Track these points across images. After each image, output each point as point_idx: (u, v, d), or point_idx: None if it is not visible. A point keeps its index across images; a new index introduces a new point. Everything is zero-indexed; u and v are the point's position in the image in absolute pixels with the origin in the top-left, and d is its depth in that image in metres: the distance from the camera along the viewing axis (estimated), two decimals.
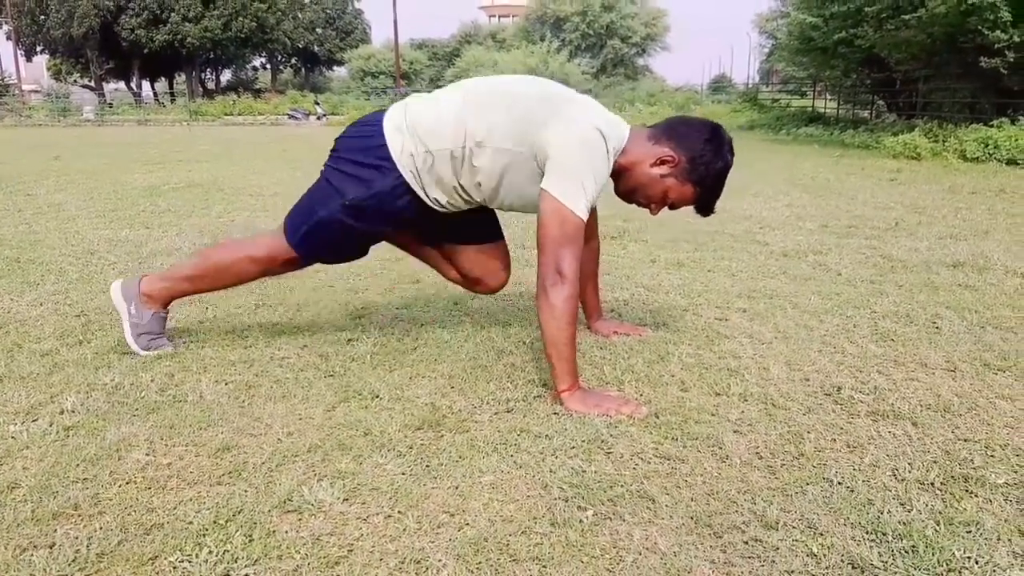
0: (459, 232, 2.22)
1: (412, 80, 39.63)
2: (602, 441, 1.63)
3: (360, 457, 1.56)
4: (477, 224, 2.22)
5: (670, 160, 1.94)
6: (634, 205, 2.07)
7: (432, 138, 1.92)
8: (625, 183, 2.01)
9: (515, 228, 4.25)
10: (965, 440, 1.64)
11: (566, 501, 1.40)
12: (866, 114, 16.83)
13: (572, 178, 1.82)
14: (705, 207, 2.03)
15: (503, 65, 30.91)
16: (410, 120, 1.96)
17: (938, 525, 1.31)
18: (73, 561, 1.21)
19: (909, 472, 1.50)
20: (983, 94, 11.32)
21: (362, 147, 2.01)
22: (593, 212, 2.26)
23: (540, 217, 1.85)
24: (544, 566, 1.21)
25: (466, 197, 2.01)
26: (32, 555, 1.22)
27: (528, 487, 1.45)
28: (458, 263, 2.29)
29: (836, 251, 3.64)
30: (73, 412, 1.78)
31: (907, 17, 10.35)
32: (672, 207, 2.03)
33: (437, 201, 2.01)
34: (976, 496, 1.41)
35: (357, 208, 1.99)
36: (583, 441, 1.63)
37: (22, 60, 37.73)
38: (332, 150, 2.08)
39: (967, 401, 1.85)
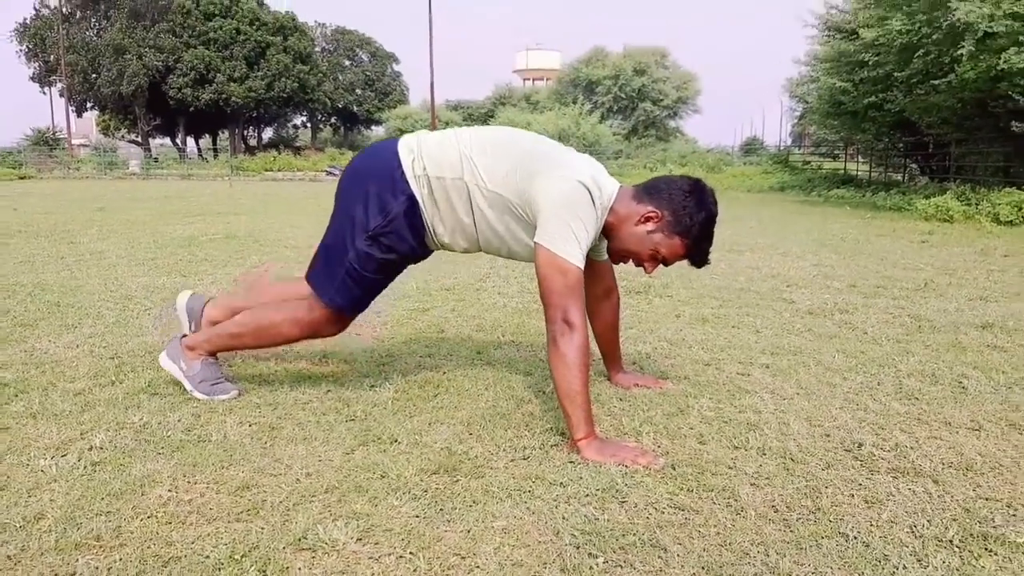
0: None
1: None
2: (616, 490, 1.63)
3: (376, 499, 1.58)
4: None
5: (654, 216, 2.00)
6: (627, 264, 2.13)
7: (438, 166, 2.01)
8: (615, 243, 2.08)
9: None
10: (987, 499, 1.62)
11: (577, 548, 1.40)
12: (899, 177, 16.80)
13: (563, 229, 1.88)
14: (697, 259, 2.07)
15: (536, 126, 31.37)
16: (422, 147, 2.05)
17: None
18: None
19: (927, 529, 1.48)
20: (1016, 157, 11.27)
21: (376, 172, 2.07)
22: (606, 264, 2.30)
23: (539, 271, 1.91)
24: None
25: (465, 236, 2.08)
26: None
27: (540, 533, 1.46)
28: None
29: (863, 310, 3.62)
30: (101, 449, 1.83)
31: (937, 82, 10.40)
32: (665, 263, 2.07)
33: (436, 234, 2.08)
34: (995, 554, 1.39)
35: (379, 237, 2.04)
36: (597, 489, 1.63)
37: (73, 116, 39.22)
38: (346, 184, 2.13)
39: (990, 460, 1.82)
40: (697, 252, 2.05)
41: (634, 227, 2.02)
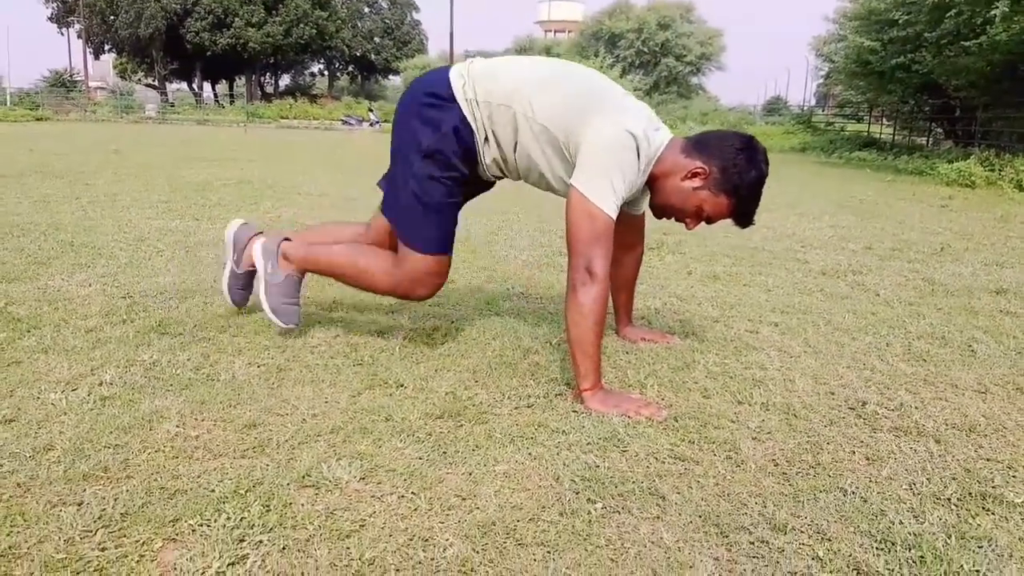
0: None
1: None
2: (618, 439, 1.64)
3: (380, 440, 1.60)
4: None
5: (701, 172, 1.92)
6: (669, 220, 2.07)
7: (488, 91, 1.95)
8: (658, 196, 2.01)
9: (552, 236, 4.29)
10: (987, 460, 1.62)
11: (576, 493, 1.42)
12: (923, 141, 16.52)
13: (601, 176, 1.83)
14: (743, 218, 2.00)
15: None
16: (472, 71, 1.99)
17: (949, 538, 1.30)
18: (99, 518, 1.27)
19: (926, 487, 1.49)
20: None
21: (428, 91, 2.01)
22: (640, 218, 2.27)
23: (568, 214, 1.87)
24: (548, 552, 1.23)
25: (507, 163, 2.03)
26: (61, 511, 1.28)
27: (540, 478, 1.47)
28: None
29: (877, 272, 3.59)
30: (111, 384, 1.85)
31: (967, 44, 10.16)
32: (709, 221, 2.01)
33: (486, 161, 2.03)
34: (992, 513, 1.40)
35: (433, 154, 1.97)
36: (599, 438, 1.64)
37: (90, 58, 39.05)
38: (399, 116, 2.07)
39: (994, 422, 1.82)
40: (742, 212, 1.97)
41: (680, 182, 1.94)
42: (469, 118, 1.97)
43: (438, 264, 2.08)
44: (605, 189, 1.83)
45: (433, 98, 1.99)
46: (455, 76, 1.99)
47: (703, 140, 1.98)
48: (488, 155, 2.02)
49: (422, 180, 2.00)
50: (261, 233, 2.35)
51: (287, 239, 2.28)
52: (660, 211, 2.05)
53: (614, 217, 1.85)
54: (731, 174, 1.91)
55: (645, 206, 2.21)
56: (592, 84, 1.99)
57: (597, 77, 2.04)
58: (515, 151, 1.99)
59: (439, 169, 1.99)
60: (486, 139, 1.99)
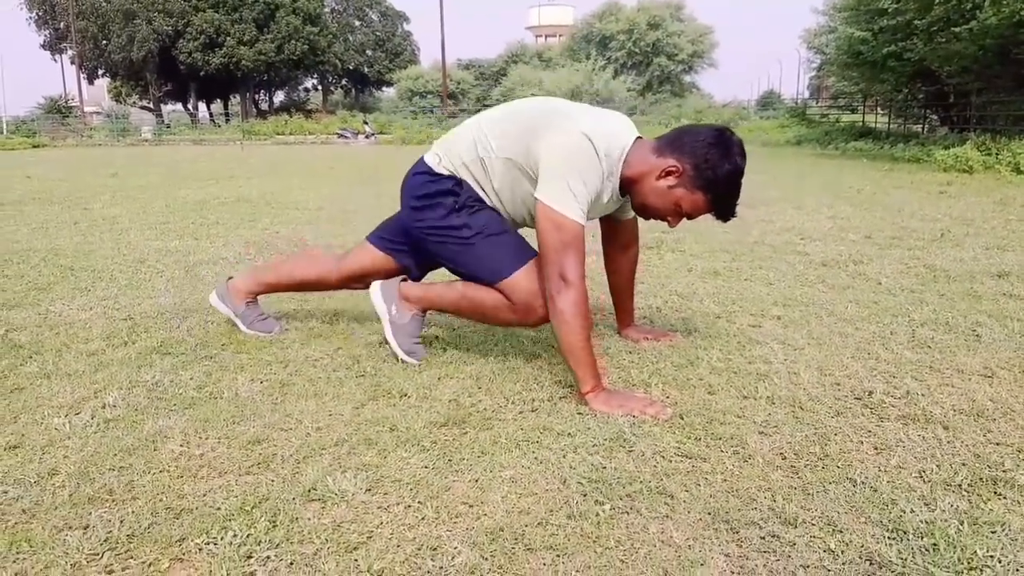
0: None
1: (459, 99, 40.06)
2: (624, 439, 1.63)
3: (385, 451, 1.60)
4: None
5: (675, 170, 1.91)
6: (651, 220, 2.07)
7: (458, 155, 2.05)
8: (636, 198, 2.01)
9: None
10: (997, 444, 1.61)
11: (584, 495, 1.41)
12: (918, 128, 16.51)
13: (560, 183, 1.84)
14: (722, 213, 1.97)
15: (549, 83, 31.08)
16: (441, 148, 2.11)
17: (962, 525, 1.29)
18: (105, 541, 1.26)
19: (936, 474, 1.48)
20: None
21: (419, 182, 2.12)
22: (631, 221, 2.28)
23: (537, 226, 1.89)
24: (558, 555, 1.22)
25: (504, 208, 2.09)
26: (67, 535, 1.28)
27: (547, 481, 1.47)
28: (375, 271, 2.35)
29: (877, 261, 3.58)
30: (114, 407, 1.85)
31: (958, 29, 10.15)
32: (689, 217, 2.01)
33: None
34: (1004, 498, 1.38)
35: (463, 203, 2.05)
36: (605, 439, 1.64)
37: (84, 83, 39.20)
38: (408, 217, 2.17)
39: (1002, 406, 1.81)
40: (721, 206, 1.95)
41: (655, 181, 1.93)
42: (462, 179, 2.06)
43: (528, 277, 1.99)
44: (566, 196, 1.83)
45: (425, 180, 2.10)
46: (430, 159, 2.11)
47: (674, 138, 1.97)
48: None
49: (462, 226, 2.05)
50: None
51: (404, 279, 2.29)
52: (641, 212, 2.06)
53: (581, 222, 1.85)
54: (704, 170, 1.89)
55: (631, 211, 2.21)
56: (543, 105, 2.03)
57: (550, 100, 2.08)
58: (499, 197, 2.05)
59: (473, 206, 2.06)
60: (483, 186, 2.07)
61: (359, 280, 2.38)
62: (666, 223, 2.03)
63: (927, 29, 11.12)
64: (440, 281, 2.25)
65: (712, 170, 1.89)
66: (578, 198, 1.84)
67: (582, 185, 1.85)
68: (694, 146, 1.91)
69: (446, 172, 2.07)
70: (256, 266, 2.41)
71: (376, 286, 2.23)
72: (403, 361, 2.16)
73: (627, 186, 2.00)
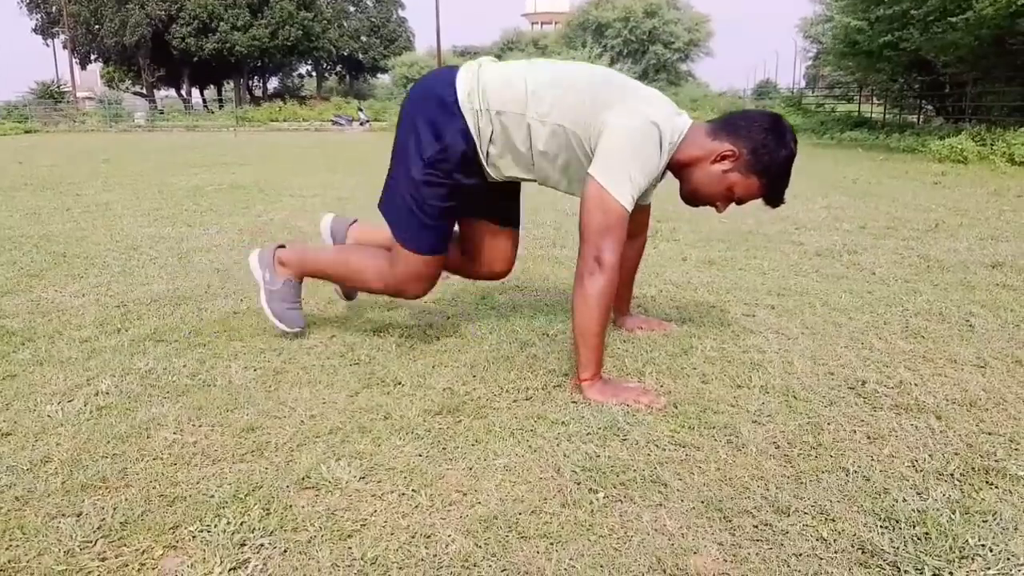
0: (485, 209, 2.20)
1: None
2: (618, 428, 1.64)
3: (379, 439, 1.60)
4: (503, 206, 2.22)
5: (731, 155, 1.89)
6: (700, 207, 2.03)
7: (500, 100, 1.92)
8: (687, 183, 1.97)
9: (547, 228, 4.28)
10: (989, 433, 1.62)
11: (578, 484, 1.41)
12: (914, 118, 16.51)
13: (619, 166, 1.80)
14: (773, 198, 1.96)
15: None
16: (482, 82, 1.95)
17: (953, 514, 1.29)
18: (98, 528, 1.26)
19: (928, 463, 1.48)
20: None
21: (435, 101, 1.97)
22: (646, 209, 2.25)
23: (583, 203, 1.84)
24: (551, 543, 1.23)
25: (520, 168, 2.00)
26: (60, 522, 1.28)
27: (541, 470, 1.47)
28: (471, 240, 2.26)
29: (872, 251, 3.59)
30: (107, 394, 1.84)
31: (954, 19, 10.14)
32: (739, 203, 1.99)
33: (494, 164, 2.00)
34: (996, 487, 1.39)
35: (436, 164, 1.96)
36: (599, 428, 1.64)
37: (77, 68, 38.91)
38: (403, 115, 2.04)
39: (994, 396, 1.82)
40: (774, 191, 1.94)
41: (709, 166, 1.91)
42: (472, 129, 1.94)
43: (430, 265, 2.08)
44: (623, 181, 1.80)
45: (439, 104, 1.96)
46: (462, 85, 1.95)
47: (730, 122, 1.95)
48: (502, 161, 1.99)
49: (420, 185, 1.98)
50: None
51: (281, 246, 2.28)
52: (691, 197, 2.01)
53: (629, 209, 1.82)
54: (761, 155, 1.88)
55: (652, 196, 2.20)
56: (607, 77, 1.96)
57: (611, 72, 2.01)
58: (532, 156, 1.96)
59: (438, 176, 1.98)
60: (494, 145, 1.96)
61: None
62: (714, 208, 2.00)
63: (923, 19, 11.11)
64: (317, 247, 2.30)
65: (769, 155, 1.88)
66: (634, 184, 1.81)
67: (640, 172, 1.82)
68: (750, 131, 1.89)
69: (468, 112, 1.93)
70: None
71: (254, 252, 2.27)
72: (276, 327, 2.21)
73: (677, 170, 1.96)
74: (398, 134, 2.05)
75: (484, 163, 2.00)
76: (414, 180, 1.98)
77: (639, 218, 2.25)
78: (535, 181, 2.06)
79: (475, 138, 1.95)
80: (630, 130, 1.82)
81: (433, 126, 1.95)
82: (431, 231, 2.04)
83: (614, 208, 1.80)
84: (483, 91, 1.93)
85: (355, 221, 2.45)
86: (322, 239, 2.37)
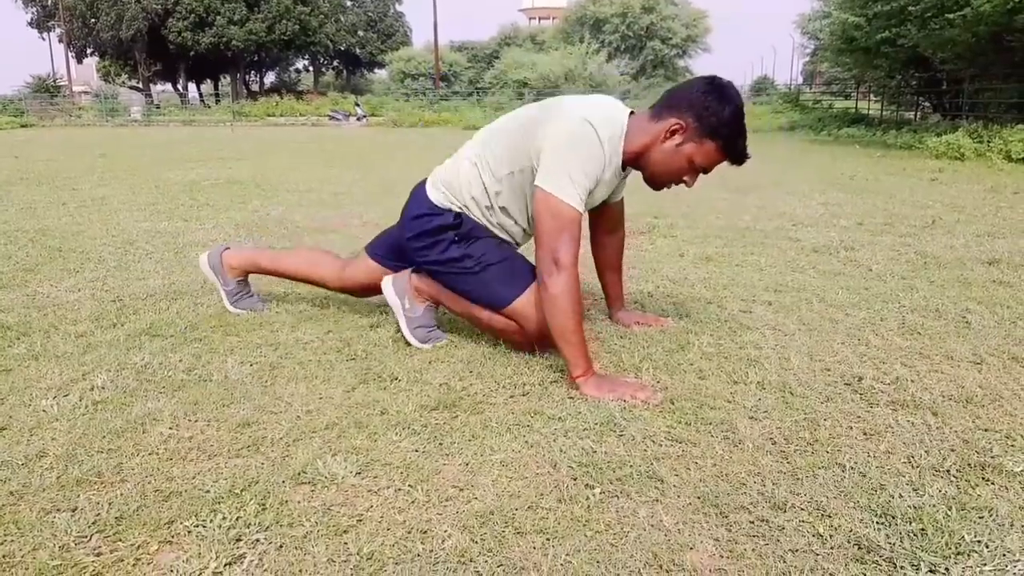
0: None
1: (451, 82, 39.83)
2: (614, 424, 1.63)
3: (375, 434, 1.59)
4: None
5: (679, 128, 1.89)
6: (667, 188, 2.04)
7: (460, 191, 2.06)
8: (647, 169, 1.99)
9: None
10: (985, 430, 1.62)
11: (574, 479, 1.41)
12: (911, 115, 16.52)
13: (559, 170, 1.83)
14: (735, 156, 1.94)
15: (541, 66, 30.88)
16: (442, 184, 2.11)
17: (950, 510, 1.29)
18: (93, 523, 1.26)
19: (924, 459, 1.48)
20: None
21: (419, 217, 2.12)
22: (618, 204, 2.27)
23: (534, 213, 1.88)
24: (548, 539, 1.22)
25: (516, 232, 2.12)
26: (55, 517, 1.27)
27: (538, 465, 1.47)
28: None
29: (869, 248, 3.59)
30: (103, 389, 1.84)
31: (951, 16, 10.14)
32: (705, 171, 1.97)
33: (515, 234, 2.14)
34: (992, 483, 1.39)
35: (463, 235, 2.08)
36: (595, 423, 1.64)
37: (73, 62, 38.79)
38: (410, 249, 2.17)
39: (991, 392, 1.82)
40: (732, 149, 1.92)
41: (661, 145, 1.91)
42: (463, 215, 2.08)
43: (530, 307, 2.01)
44: (564, 183, 1.83)
45: (424, 217, 2.10)
46: (434, 195, 2.10)
47: (666, 100, 1.96)
48: (499, 233, 2.12)
49: (463, 257, 2.07)
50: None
51: (415, 270, 2.24)
52: (656, 182, 2.02)
53: (579, 209, 1.85)
54: (707, 117, 1.88)
55: (622, 193, 2.23)
56: (531, 109, 2.04)
57: (537, 104, 2.07)
58: (508, 214, 2.06)
59: (472, 236, 2.08)
60: (487, 222, 2.10)
61: (360, 291, 2.42)
62: (684, 184, 2.00)
63: (921, 15, 11.11)
64: (438, 286, 2.21)
65: (715, 116, 1.87)
66: (576, 185, 1.83)
67: (581, 172, 1.84)
68: (690, 99, 1.90)
69: (449, 207, 2.08)
70: (256, 249, 2.40)
71: (388, 281, 2.23)
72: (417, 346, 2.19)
73: (633, 161, 1.98)
74: (424, 263, 2.16)
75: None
76: (461, 257, 2.07)
77: (614, 213, 2.28)
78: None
79: (472, 218, 2.10)
80: (564, 132, 1.86)
81: (433, 228, 2.09)
82: (507, 279, 2.05)
83: (562, 211, 1.83)
84: (450, 190, 2.08)
85: (227, 248, 2.51)
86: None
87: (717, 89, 1.90)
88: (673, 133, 1.91)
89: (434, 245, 2.09)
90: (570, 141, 1.85)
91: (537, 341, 2.04)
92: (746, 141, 1.94)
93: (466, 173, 2.06)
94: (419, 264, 2.17)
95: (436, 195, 2.11)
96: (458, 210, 2.08)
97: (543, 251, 1.84)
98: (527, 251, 2.10)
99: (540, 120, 1.92)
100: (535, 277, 1.96)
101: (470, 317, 2.16)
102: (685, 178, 1.98)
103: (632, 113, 1.99)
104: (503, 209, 2.06)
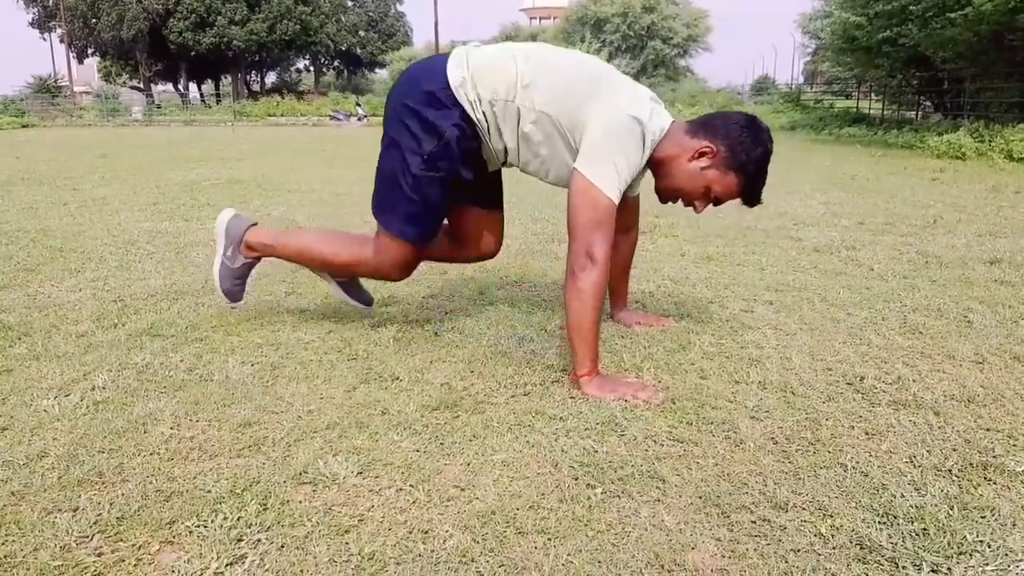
0: (473, 196, 2.20)
1: None
2: (616, 424, 1.63)
3: (376, 434, 1.59)
4: (489, 191, 2.24)
5: (709, 151, 1.90)
6: (675, 203, 2.04)
7: (491, 89, 1.92)
8: (665, 179, 1.98)
9: (544, 223, 4.27)
10: (987, 429, 1.62)
11: (576, 479, 1.41)
12: (912, 114, 16.50)
13: (605, 161, 1.82)
14: (751, 196, 1.97)
15: None
16: (471, 66, 1.95)
17: (952, 510, 1.29)
18: (94, 523, 1.26)
19: (926, 459, 1.48)
20: None
21: (427, 92, 1.95)
22: (635, 202, 2.26)
23: (571, 198, 1.85)
24: (549, 539, 1.22)
25: (509, 153, 2.02)
26: (56, 517, 1.27)
27: (539, 465, 1.46)
28: (462, 227, 2.27)
29: (870, 247, 3.59)
30: (104, 389, 1.84)
31: (953, 15, 10.13)
32: (717, 202, 1.99)
33: (496, 149, 2.01)
34: (994, 483, 1.39)
35: (435, 160, 1.96)
36: (597, 423, 1.64)
37: (74, 62, 38.80)
38: (393, 107, 2.02)
39: (993, 392, 1.81)
40: (751, 189, 1.95)
41: (687, 163, 1.92)
42: (473, 118, 1.95)
43: (415, 252, 2.13)
44: (610, 174, 1.81)
45: (432, 99, 1.95)
46: (454, 74, 1.94)
47: (707, 121, 1.97)
48: (493, 146, 2.02)
49: (419, 179, 1.98)
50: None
51: (255, 223, 2.28)
52: (667, 194, 2.02)
53: (617, 202, 1.84)
54: (738, 151, 1.90)
55: (639, 187, 2.20)
56: (592, 68, 1.97)
57: (596, 61, 2.02)
58: (518, 141, 1.98)
59: (437, 171, 1.98)
60: (489, 132, 1.98)
61: (475, 252, 2.36)
62: (692, 208, 2.00)
63: (922, 15, 11.10)
64: (285, 233, 2.30)
65: (746, 152, 1.89)
66: (620, 177, 1.83)
67: (626, 166, 1.84)
68: (727, 128, 1.91)
69: (464, 103, 1.93)
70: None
71: (227, 213, 2.26)
72: (218, 295, 2.25)
73: (656, 166, 1.97)
74: (387, 128, 2.04)
75: (486, 148, 2.02)
76: (413, 175, 1.98)
77: (629, 212, 2.26)
78: (520, 167, 2.08)
79: (475, 126, 1.97)
80: (614, 124, 1.84)
81: (431, 126, 1.95)
82: (423, 222, 2.06)
83: (602, 202, 1.81)
84: (474, 80, 1.93)
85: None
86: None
87: (755, 129, 1.92)
88: (703, 155, 1.91)
89: (411, 134, 1.97)
90: (618, 134, 1.83)
91: (374, 274, 2.19)
92: (764, 185, 1.96)
93: (505, 76, 1.92)
94: (386, 128, 2.04)
95: (456, 75, 1.93)
96: (468, 103, 1.93)
97: (578, 243, 1.82)
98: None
99: (594, 94, 1.87)
100: (420, 239, 2.07)
101: (300, 257, 2.24)
102: (696, 202, 1.99)
103: (673, 121, 1.98)
104: (519, 134, 1.96)
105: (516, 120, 1.94)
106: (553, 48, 2.04)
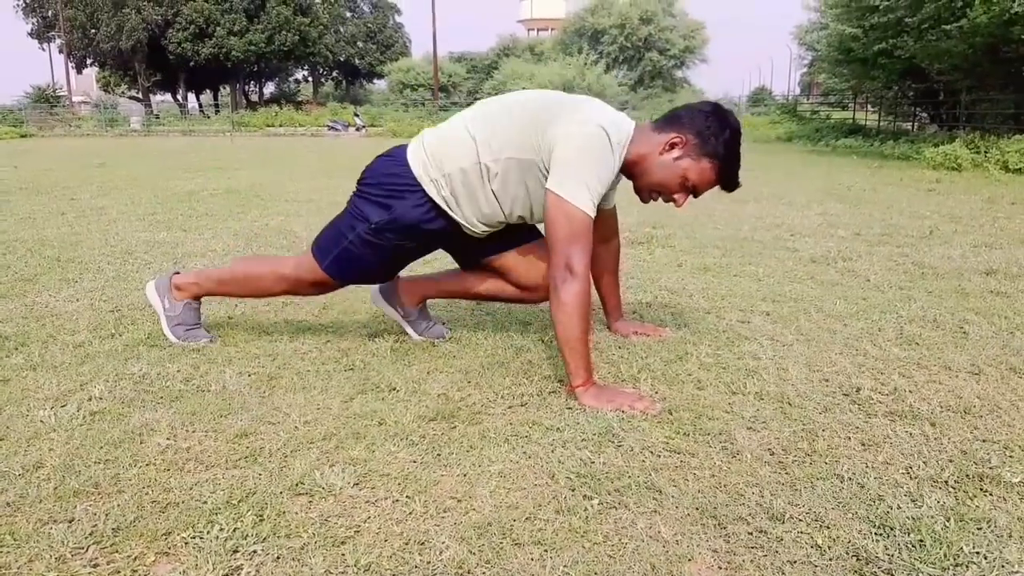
0: (499, 240, 2.18)
1: (450, 92, 39.91)
2: (613, 434, 1.63)
3: (373, 445, 1.59)
4: (515, 231, 2.19)
5: (679, 142, 1.92)
6: (656, 202, 2.05)
7: (447, 160, 1.97)
8: (641, 178, 2.00)
9: None
10: (984, 440, 1.62)
11: (572, 490, 1.41)
12: (908, 126, 16.57)
13: (575, 175, 1.83)
14: (728, 181, 1.98)
15: (540, 77, 31.05)
16: (427, 148, 2.02)
17: (948, 521, 1.29)
18: (90, 535, 1.25)
19: (923, 470, 1.48)
20: None
21: (387, 173, 2.05)
22: (613, 212, 2.27)
23: (546, 216, 1.87)
24: (546, 550, 1.22)
25: (498, 215, 2.03)
26: (51, 528, 1.27)
27: (536, 476, 1.46)
28: (509, 272, 2.21)
29: (866, 258, 3.60)
30: (100, 399, 1.83)
31: (948, 27, 10.19)
32: (695, 192, 1.99)
33: (472, 222, 2.03)
34: (990, 494, 1.39)
35: (381, 230, 2.02)
36: (594, 434, 1.64)
37: (73, 73, 38.87)
38: (359, 180, 2.11)
39: (989, 403, 1.82)
40: (727, 173, 1.96)
41: (659, 157, 1.94)
42: (438, 200, 1.99)
43: (334, 286, 2.20)
44: (580, 187, 1.83)
45: (393, 181, 2.03)
46: (414, 159, 2.02)
47: (672, 115, 2.00)
48: (469, 219, 2.03)
49: (365, 240, 2.05)
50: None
51: (177, 272, 2.35)
52: (646, 192, 2.03)
53: (592, 214, 1.85)
54: (707, 136, 1.92)
55: (615, 199, 2.23)
56: (542, 98, 2.01)
57: (543, 92, 2.06)
58: (496, 198, 1.99)
59: (383, 241, 2.05)
60: (460, 207, 2.01)
61: (520, 291, 2.29)
62: (673, 203, 2.01)
63: (918, 27, 11.16)
64: (207, 270, 2.35)
65: (715, 136, 1.92)
66: (591, 189, 1.84)
67: (596, 177, 1.85)
68: (693, 117, 1.94)
69: (427, 184, 1.99)
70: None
71: (151, 284, 2.33)
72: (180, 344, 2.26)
73: (630, 169, 1.98)
74: (356, 195, 2.10)
75: (464, 225, 2.05)
76: (356, 232, 2.05)
77: (607, 222, 2.27)
78: (516, 221, 2.09)
79: (433, 205, 2.01)
80: (580, 137, 1.86)
81: (385, 199, 2.02)
82: (349, 268, 2.13)
83: (577, 216, 1.83)
84: (435, 160, 1.99)
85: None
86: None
87: (719, 113, 1.95)
88: (673, 146, 1.93)
89: (368, 206, 2.04)
90: (587, 147, 1.85)
91: (294, 288, 2.23)
92: (739, 167, 1.98)
93: (460, 143, 1.98)
94: (356, 193, 2.11)
95: (417, 160, 2.01)
96: (431, 183, 1.98)
97: (557, 257, 1.84)
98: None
99: (551, 119, 1.89)
100: (336, 274, 2.12)
101: (227, 286, 2.29)
102: (675, 196, 2.00)
103: (636, 123, 2.01)
104: (494, 192, 1.98)
105: (485, 177, 1.96)
106: (495, 98, 2.09)
